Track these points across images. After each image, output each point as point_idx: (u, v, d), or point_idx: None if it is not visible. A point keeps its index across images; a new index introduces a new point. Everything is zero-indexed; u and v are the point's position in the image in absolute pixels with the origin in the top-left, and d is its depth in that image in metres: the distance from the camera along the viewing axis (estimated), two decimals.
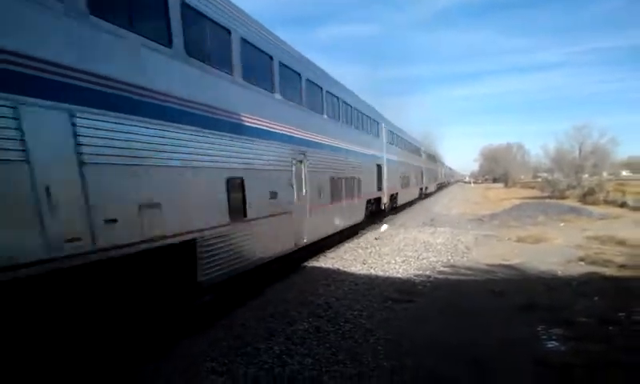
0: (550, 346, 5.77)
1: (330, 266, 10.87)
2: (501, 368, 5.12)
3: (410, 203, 31.09)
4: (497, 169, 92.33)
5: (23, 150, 4.24)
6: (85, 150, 4.83)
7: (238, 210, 7.92)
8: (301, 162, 10.79)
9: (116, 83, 5.31)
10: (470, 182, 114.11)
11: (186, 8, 6.62)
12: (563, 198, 32.24)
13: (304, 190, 10.94)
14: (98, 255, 4.99)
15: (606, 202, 27.30)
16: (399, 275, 9.78)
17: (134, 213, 5.49)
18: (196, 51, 6.88)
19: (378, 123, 20.20)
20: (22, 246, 4.26)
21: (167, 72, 6.27)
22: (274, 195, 9.42)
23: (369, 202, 18.10)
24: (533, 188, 50.40)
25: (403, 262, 11.17)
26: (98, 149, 5.01)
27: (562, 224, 18.01)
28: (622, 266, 9.73)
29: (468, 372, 5.06)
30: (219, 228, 7.31)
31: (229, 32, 7.85)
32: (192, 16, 6.82)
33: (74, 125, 4.73)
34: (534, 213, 21.33)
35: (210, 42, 7.44)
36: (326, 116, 12.97)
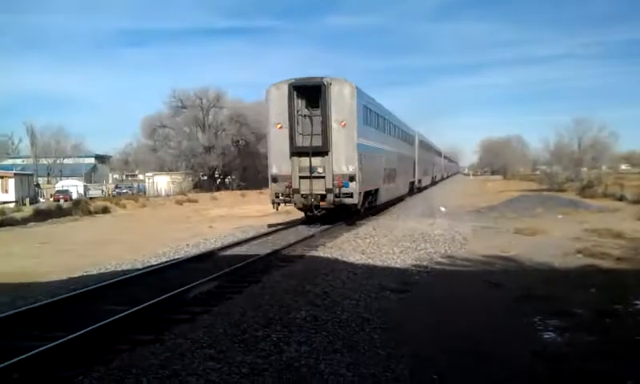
0: (546, 336, 5.79)
1: (329, 256, 10.86)
2: (497, 357, 5.14)
3: (425, 187, 41.88)
4: (496, 161, 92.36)
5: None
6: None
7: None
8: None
9: None
10: (469, 174, 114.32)
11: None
12: (562, 191, 32.32)
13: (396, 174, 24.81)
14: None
15: (605, 196, 27.37)
16: (397, 265, 9.81)
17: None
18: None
19: (414, 137, 33.99)
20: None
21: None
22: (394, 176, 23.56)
23: (408, 183, 31.11)
24: (532, 180, 50.54)
25: (401, 252, 11.19)
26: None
27: (560, 216, 18.05)
28: (620, 259, 9.77)
29: (464, 361, 5.09)
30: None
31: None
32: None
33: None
34: (532, 205, 21.37)
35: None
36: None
